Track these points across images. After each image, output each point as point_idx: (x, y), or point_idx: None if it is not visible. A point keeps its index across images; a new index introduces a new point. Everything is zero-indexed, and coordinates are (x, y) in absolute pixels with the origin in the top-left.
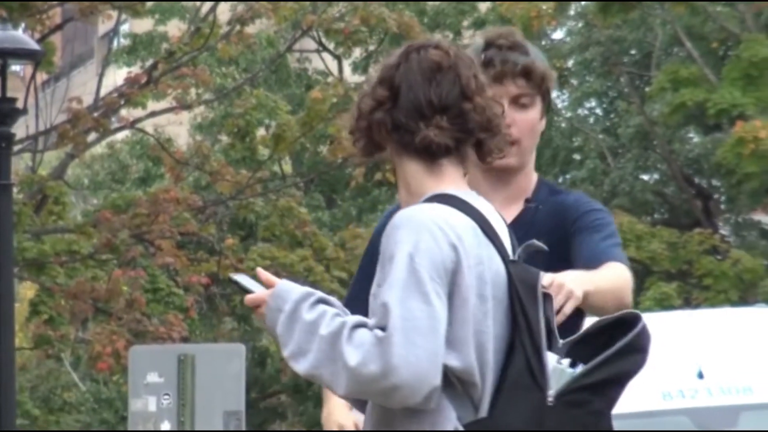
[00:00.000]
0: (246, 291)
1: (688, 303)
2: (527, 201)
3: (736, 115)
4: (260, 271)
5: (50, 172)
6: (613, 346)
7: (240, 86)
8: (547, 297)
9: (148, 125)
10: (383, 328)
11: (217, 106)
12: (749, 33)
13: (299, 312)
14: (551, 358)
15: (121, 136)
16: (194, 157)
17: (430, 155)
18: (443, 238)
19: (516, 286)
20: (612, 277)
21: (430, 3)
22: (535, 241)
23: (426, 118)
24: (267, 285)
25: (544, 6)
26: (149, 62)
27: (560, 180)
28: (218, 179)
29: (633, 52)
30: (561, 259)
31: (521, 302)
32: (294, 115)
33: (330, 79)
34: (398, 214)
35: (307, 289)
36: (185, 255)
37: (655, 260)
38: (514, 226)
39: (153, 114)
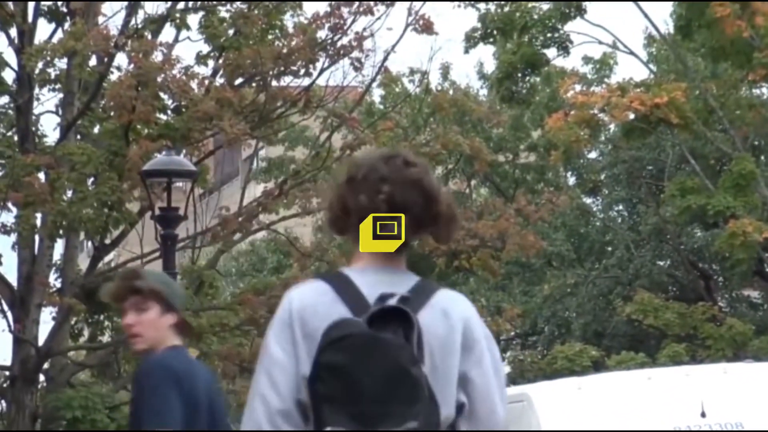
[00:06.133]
0: None
1: (694, 359)
2: None
3: (729, 215)
4: None
5: (206, 264)
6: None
7: None
8: None
9: (280, 227)
10: None
11: None
12: (739, 152)
13: None
14: None
15: (259, 235)
16: (316, 251)
17: None
18: None
19: None
20: None
21: (495, 131)
22: None
23: None
24: None
25: (582, 132)
26: (281, 179)
27: (595, 266)
28: (335, 267)
29: (650, 167)
30: None
31: None
32: None
33: None
34: None
35: None
36: None
37: (669, 326)
38: None
39: (284, 218)
